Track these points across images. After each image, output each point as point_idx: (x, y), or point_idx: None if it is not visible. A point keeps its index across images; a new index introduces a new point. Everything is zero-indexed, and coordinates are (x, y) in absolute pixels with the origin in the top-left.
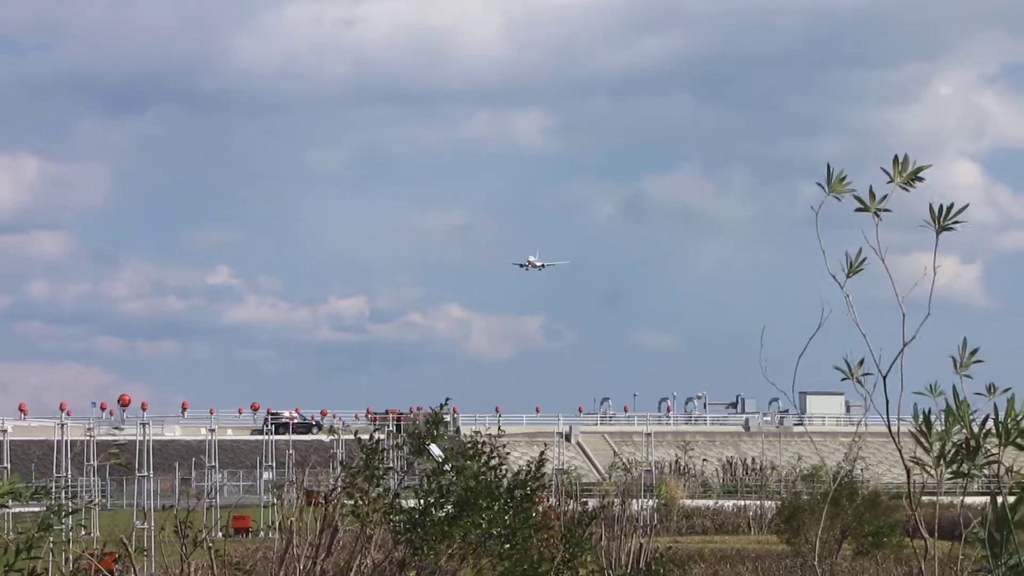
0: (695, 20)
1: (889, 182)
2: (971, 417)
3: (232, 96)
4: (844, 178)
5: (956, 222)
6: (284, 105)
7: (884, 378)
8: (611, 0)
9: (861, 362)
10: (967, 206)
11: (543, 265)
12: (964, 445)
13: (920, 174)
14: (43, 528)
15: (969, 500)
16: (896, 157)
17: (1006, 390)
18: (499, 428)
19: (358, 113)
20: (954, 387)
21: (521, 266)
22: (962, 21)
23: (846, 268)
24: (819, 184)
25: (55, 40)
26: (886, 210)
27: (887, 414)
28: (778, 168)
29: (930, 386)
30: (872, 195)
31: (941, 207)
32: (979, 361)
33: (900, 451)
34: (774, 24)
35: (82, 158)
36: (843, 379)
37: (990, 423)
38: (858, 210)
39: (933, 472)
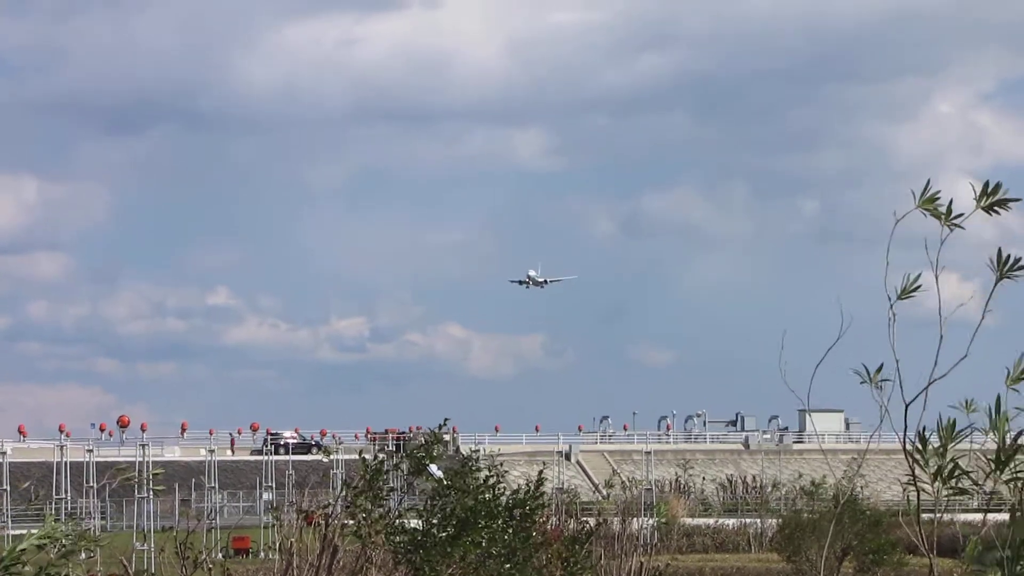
0: (693, 38)
1: (976, 202)
2: (1007, 430)
3: (232, 116)
4: (937, 196)
5: (1020, 268)
6: (284, 124)
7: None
8: (610, 19)
9: (880, 368)
10: None
11: (545, 281)
12: (996, 456)
13: (1001, 206)
14: (66, 555)
15: (969, 517)
16: (987, 184)
17: None
18: (497, 449)
19: (358, 131)
20: (998, 396)
21: (521, 283)
22: (959, 38)
23: (899, 289)
24: (912, 191)
25: (55, 61)
26: (960, 227)
27: (881, 418)
28: (777, 184)
29: (966, 401)
30: (950, 211)
31: (1010, 257)
32: None
33: (912, 468)
34: (773, 41)
35: (82, 179)
36: (861, 382)
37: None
38: (950, 223)
39: (930, 490)
